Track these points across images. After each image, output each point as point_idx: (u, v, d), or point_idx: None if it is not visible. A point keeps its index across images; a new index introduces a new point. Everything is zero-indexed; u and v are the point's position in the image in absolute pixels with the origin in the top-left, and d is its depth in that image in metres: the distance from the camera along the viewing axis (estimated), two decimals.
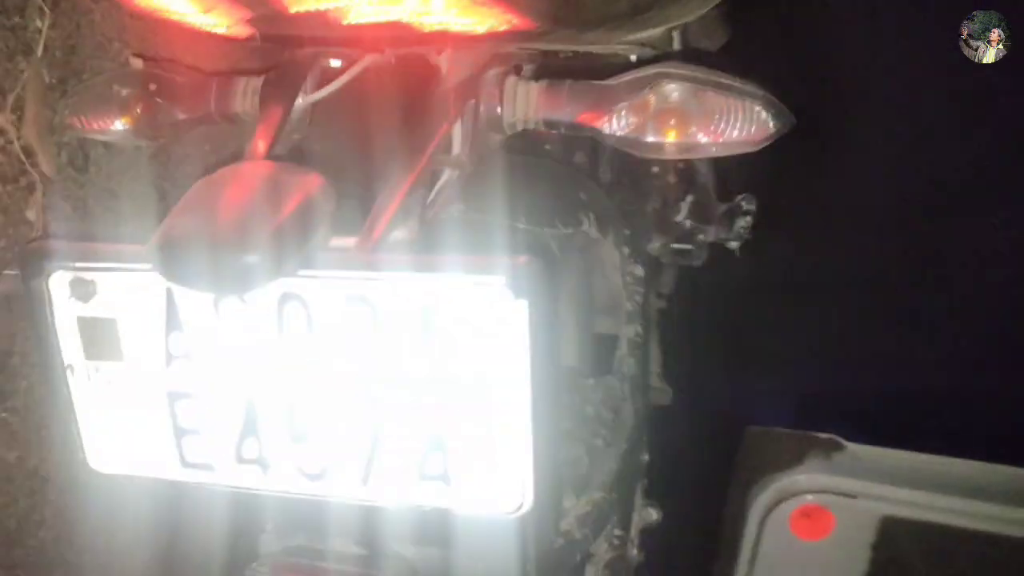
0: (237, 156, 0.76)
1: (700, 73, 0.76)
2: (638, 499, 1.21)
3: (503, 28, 0.73)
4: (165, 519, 0.84)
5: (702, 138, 0.76)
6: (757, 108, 0.75)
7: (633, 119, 0.77)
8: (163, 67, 0.91)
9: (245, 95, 0.85)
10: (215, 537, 0.77)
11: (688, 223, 1.37)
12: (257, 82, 0.85)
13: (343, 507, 0.72)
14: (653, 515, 1.24)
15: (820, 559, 1.24)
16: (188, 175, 1.02)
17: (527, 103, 0.79)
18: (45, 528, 1.02)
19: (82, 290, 0.68)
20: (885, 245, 1.91)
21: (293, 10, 0.70)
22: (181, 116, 0.89)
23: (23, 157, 0.95)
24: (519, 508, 0.65)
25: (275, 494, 0.70)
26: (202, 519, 0.78)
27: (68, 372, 0.70)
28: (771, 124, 0.75)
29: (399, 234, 0.68)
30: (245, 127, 0.88)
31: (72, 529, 1.06)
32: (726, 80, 0.76)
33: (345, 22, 0.71)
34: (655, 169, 1.24)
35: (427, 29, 0.70)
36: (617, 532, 1.14)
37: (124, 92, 0.90)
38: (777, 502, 1.25)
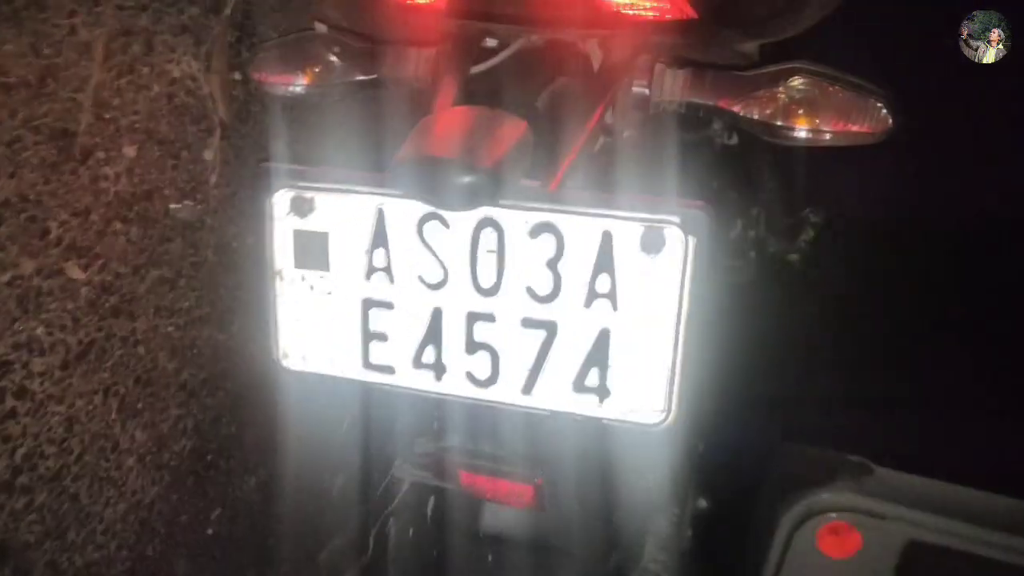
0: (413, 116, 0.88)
1: (828, 70, 0.88)
2: (691, 486, 1.31)
3: (668, 16, 0.85)
4: (328, 416, 0.95)
5: (827, 128, 0.87)
6: (879, 104, 0.86)
7: (768, 106, 0.88)
8: (342, 33, 1.03)
9: (418, 63, 0.97)
10: (375, 434, 0.88)
11: (751, 236, 1.48)
12: (428, 52, 0.97)
13: (498, 414, 0.83)
14: (703, 503, 1.34)
15: None
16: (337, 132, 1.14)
17: (674, 86, 0.90)
18: (186, 438, 1.13)
19: (301, 207, 0.80)
20: (882, 245, 1.93)
21: None
22: (357, 78, 1.01)
23: (207, 103, 1.08)
24: (664, 421, 0.76)
25: (444, 397, 0.81)
26: (365, 419, 0.89)
27: (277, 278, 0.82)
28: (890, 120, 0.86)
29: (572, 180, 0.80)
30: (411, 91, 1.00)
31: (204, 445, 1.18)
32: (851, 78, 0.87)
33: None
34: (715, 184, 1.35)
35: (621, 9, 0.82)
36: (675, 511, 1.24)
37: (306, 53, 1.02)
38: (806, 518, 1.29)
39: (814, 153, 0.98)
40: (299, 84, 1.02)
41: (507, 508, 1.01)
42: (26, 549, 0.90)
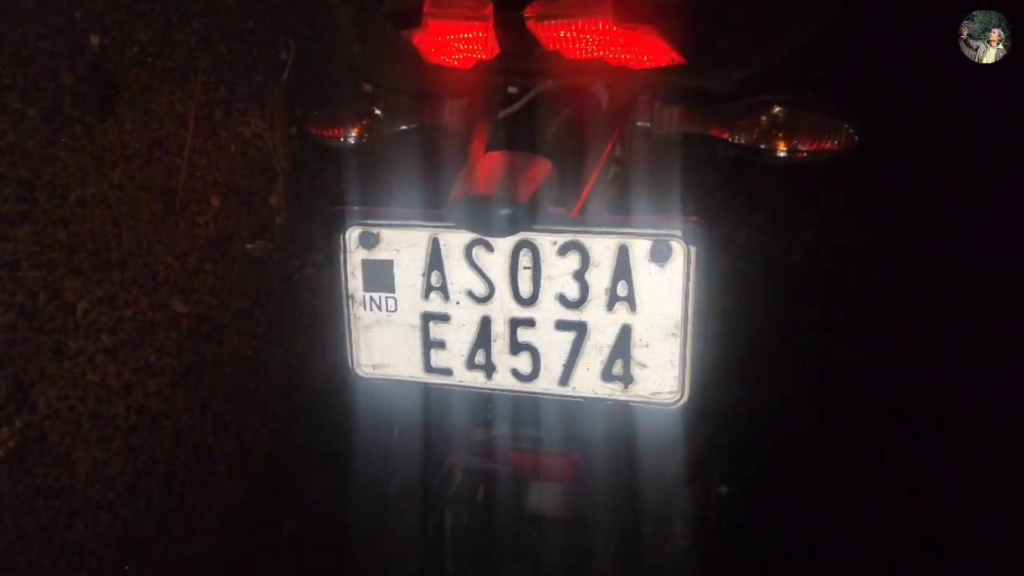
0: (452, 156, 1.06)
1: (801, 98, 1.04)
2: (712, 473, 1.46)
3: (664, 63, 1.02)
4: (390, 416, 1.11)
5: (803, 148, 1.03)
6: (846, 126, 1.02)
7: (752, 132, 1.04)
8: (385, 90, 1.21)
9: (452, 112, 1.14)
10: (433, 432, 1.05)
11: (754, 242, 1.64)
12: (460, 102, 1.14)
13: (539, 404, 0.99)
14: (724, 489, 1.50)
15: None
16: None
17: (671, 120, 1.07)
18: (264, 444, 1.30)
19: (369, 240, 0.97)
20: (878, 245, 1.99)
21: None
22: (400, 128, 1.18)
23: (270, 156, 1.26)
24: (678, 401, 0.91)
25: (494, 392, 0.97)
26: (424, 419, 1.05)
27: (350, 300, 0.99)
28: (856, 138, 1.02)
29: (592, 205, 0.96)
30: (448, 136, 1.17)
31: (278, 449, 1.34)
32: (822, 104, 1.03)
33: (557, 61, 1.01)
34: (719, 196, 1.51)
35: (623, 61, 0.99)
36: (699, 494, 1.40)
37: (355, 109, 1.20)
38: None
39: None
40: (350, 136, 1.20)
41: (548, 490, 1.17)
42: (144, 543, 1.06)
